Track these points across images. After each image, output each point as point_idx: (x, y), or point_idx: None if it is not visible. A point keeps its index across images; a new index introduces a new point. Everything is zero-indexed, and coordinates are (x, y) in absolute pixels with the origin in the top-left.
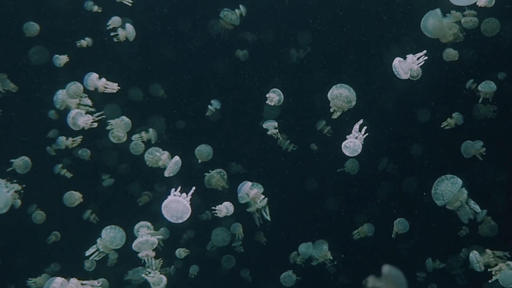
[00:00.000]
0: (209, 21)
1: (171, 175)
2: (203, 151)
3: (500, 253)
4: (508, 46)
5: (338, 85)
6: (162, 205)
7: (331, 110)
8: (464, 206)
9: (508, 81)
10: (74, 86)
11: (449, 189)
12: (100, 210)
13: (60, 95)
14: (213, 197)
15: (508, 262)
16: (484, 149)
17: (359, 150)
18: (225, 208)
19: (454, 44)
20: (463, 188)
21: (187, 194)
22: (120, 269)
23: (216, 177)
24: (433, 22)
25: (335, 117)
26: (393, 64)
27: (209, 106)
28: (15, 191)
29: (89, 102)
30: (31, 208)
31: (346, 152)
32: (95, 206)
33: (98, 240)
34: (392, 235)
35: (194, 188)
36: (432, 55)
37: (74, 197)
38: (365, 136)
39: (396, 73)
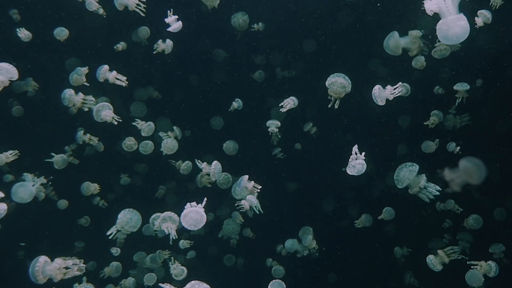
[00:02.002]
0: (215, 49)
1: (216, 177)
2: (230, 146)
3: (449, 250)
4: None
5: (335, 74)
6: (181, 216)
7: (329, 97)
8: (425, 189)
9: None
10: (77, 76)
11: (407, 175)
12: (119, 202)
13: (67, 94)
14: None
15: (489, 262)
16: (459, 148)
17: (363, 170)
18: (248, 202)
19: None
20: (423, 174)
21: (200, 202)
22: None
23: (204, 176)
24: (392, 43)
25: (336, 106)
26: (373, 90)
27: (234, 102)
28: (41, 184)
29: (93, 100)
30: (48, 190)
31: (352, 172)
32: (112, 195)
33: (118, 221)
34: (379, 217)
35: (205, 199)
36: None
37: (90, 187)
38: (363, 158)
39: (373, 98)
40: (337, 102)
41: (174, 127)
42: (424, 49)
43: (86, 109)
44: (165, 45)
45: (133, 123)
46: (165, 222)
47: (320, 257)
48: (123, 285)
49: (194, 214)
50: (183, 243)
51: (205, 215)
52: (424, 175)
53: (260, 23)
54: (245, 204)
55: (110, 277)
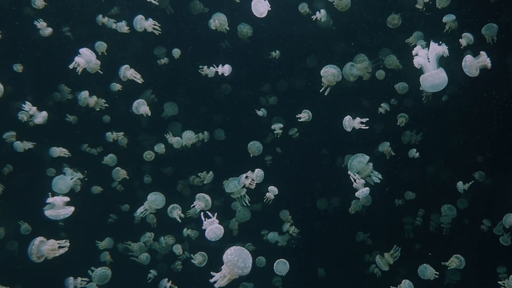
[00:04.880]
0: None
1: (258, 179)
2: (255, 146)
3: (393, 251)
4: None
5: (328, 65)
6: (205, 232)
7: (322, 84)
8: (370, 176)
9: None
10: (92, 64)
11: (357, 165)
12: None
13: (83, 96)
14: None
15: (457, 255)
16: (418, 153)
17: (368, 193)
18: (271, 194)
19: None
20: (370, 163)
21: (212, 214)
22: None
23: (197, 178)
24: (346, 71)
25: (326, 94)
26: (343, 120)
27: (259, 111)
28: (78, 178)
29: (103, 101)
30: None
31: (361, 196)
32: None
33: (146, 201)
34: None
35: (216, 214)
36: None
37: (119, 173)
38: (363, 182)
39: (344, 125)
40: (328, 90)
41: (204, 131)
42: (371, 71)
43: (98, 109)
44: (209, 71)
45: (165, 135)
46: (198, 200)
47: (300, 244)
48: (139, 259)
49: (218, 230)
50: (186, 231)
51: (222, 228)
52: (371, 164)
53: (277, 51)
54: (269, 195)
55: (131, 252)
